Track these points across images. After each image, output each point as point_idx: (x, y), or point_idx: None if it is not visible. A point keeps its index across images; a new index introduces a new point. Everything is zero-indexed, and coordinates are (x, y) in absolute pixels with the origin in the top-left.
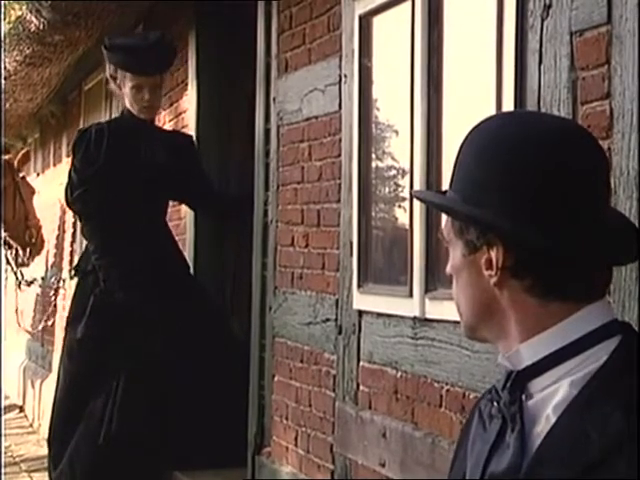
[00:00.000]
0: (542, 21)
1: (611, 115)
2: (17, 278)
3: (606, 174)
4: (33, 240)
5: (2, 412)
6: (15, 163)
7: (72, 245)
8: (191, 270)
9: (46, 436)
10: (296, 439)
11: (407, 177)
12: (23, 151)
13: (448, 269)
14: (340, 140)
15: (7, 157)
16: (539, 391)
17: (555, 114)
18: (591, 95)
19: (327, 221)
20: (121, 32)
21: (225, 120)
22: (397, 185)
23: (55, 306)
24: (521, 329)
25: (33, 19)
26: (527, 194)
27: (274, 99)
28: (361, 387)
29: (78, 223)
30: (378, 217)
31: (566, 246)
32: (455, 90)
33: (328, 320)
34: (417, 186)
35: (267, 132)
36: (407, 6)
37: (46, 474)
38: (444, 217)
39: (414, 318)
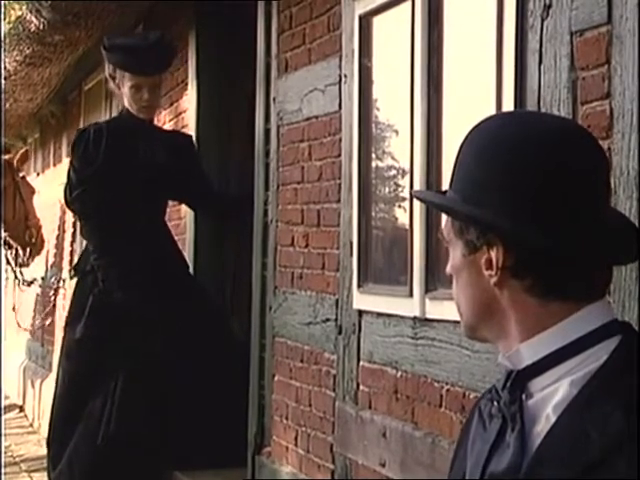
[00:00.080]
0: (542, 21)
1: (611, 115)
2: (17, 278)
3: (606, 174)
4: (33, 240)
5: (2, 412)
6: (14, 163)
7: (72, 245)
8: (191, 270)
9: (46, 436)
10: (296, 439)
11: (407, 177)
12: (22, 150)
13: (448, 269)
14: (340, 140)
15: (7, 157)
16: (539, 390)
17: (555, 114)
18: (591, 95)
19: (327, 221)
20: (121, 32)
21: (225, 120)
22: (397, 185)
23: (54, 306)
24: (521, 329)
25: (33, 19)
26: (527, 194)
27: (274, 99)
28: (361, 387)
29: (78, 223)
30: (378, 217)
31: (566, 246)
32: (455, 90)
33: (328, 320)
34: (417, 186)
35: (267, 132)
36: (407, 6)
37: (46, 474)
38: (444, 217)
39: (414, 318)
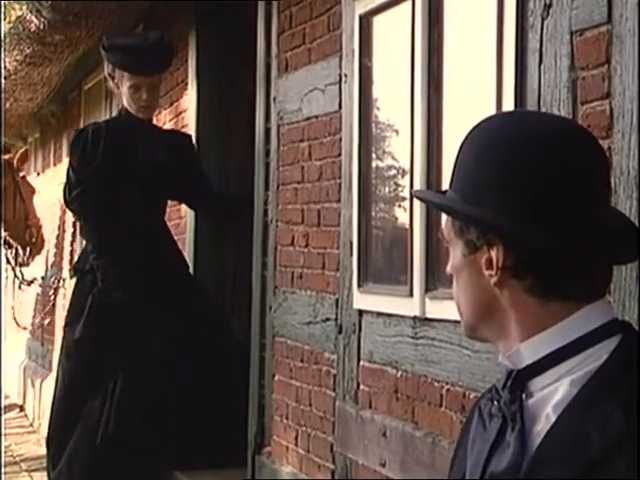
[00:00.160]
0: (542, 21)
1: (611, 115)
2: (17, 277)
3: (606, 174)
4: (33, 240)
5: (2, 411)
6: (15, 162)
7: (72, 245)
8: (190, 270)
9: (45, 435)
10: (296, 439)
11: (407, 177)
12: (22, 150)
13: (448, 269)
14: (340, 140)
15: (7, 157)
16: (539, 390)
17: (555, 114)
18: (591, 95)
19: (327, 221)
20: (121, 32)
21: (225, 120)
22: (397, 185)
23: (54, 305)
24: (521, 329)
25: (33, 19)
26: (527, 194)
27: (274, 99)
28: (361, 386)
29: (78, 223)
30: (378, 217)
31: (566, 246)
32: (455, 90)
33: (328, 320)
34: (417, 186)
35: (267, 132)
36: (407, 6)
37: (46, 474)
38: (444, 217)
39: (414, 317)
